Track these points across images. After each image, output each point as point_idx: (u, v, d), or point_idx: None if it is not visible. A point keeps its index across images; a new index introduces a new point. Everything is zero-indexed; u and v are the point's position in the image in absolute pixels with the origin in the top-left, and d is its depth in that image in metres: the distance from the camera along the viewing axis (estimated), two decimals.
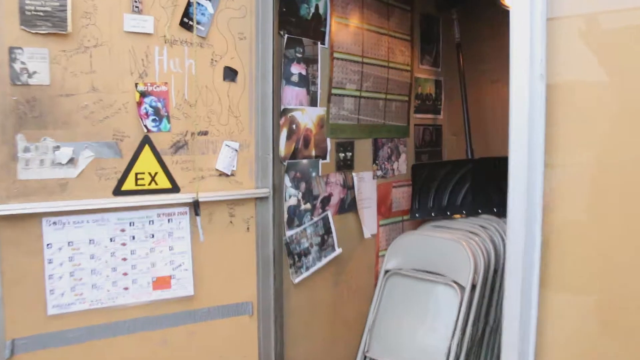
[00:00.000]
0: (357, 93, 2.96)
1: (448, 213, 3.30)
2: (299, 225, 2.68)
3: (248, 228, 2.38)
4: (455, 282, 2.94)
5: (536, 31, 1.66)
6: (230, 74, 2.26)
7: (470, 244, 2.99)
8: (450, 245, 3.02)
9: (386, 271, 3.21)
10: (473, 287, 2.93)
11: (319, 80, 2.71)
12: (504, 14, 3.32)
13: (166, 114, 2.12)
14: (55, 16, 1.86)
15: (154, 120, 2.09)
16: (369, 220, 3.11)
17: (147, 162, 2.10)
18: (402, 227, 3.39)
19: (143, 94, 2.06)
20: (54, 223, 1.97)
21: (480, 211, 3.29)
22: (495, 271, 3.09)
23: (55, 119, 1.92)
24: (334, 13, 2.74)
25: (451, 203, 3.32)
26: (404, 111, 3.31)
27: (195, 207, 2.20)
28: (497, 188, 3.32)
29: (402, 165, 3.35)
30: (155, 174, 2.12)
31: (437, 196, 3.32)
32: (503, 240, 3.14)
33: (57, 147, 1.94)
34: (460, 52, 3.35)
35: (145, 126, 2.07)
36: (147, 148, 2.10)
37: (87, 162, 1.99)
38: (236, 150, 2.31)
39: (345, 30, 2.83)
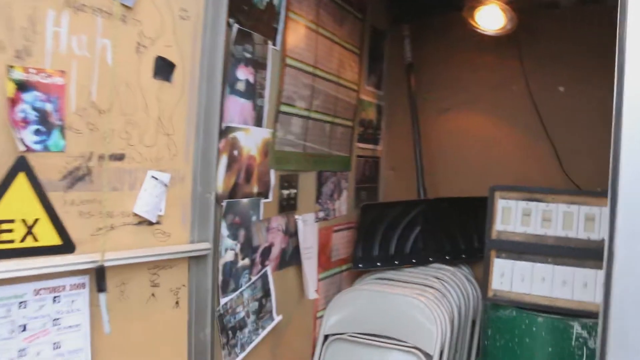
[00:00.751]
0: (306, 113, 2.31)
1: (396, 262, 2.76)
2: (235, 290, 1.93)
3: (177, 302, 1.58)
4: (418, 349, 2.39)
5: None
6: (164, 68, 1.48)
7: (430, 301, 2.47)
8: (406, 303, 2.47)
9: (326, 336, 2.56)
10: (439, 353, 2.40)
11: (266, 92, 2.02)
12: (466, 35, 2.96)
13: (59, 122, 1.27)
14: None
15: (37, 131, 1.24)
16: (311, 274, 2.44)
17: (20, 201, 1.23)
18: (340, 280, 2.78)
19: (22, 86, 1.20)
20: None
21: (431, 259, 2.80)
22: (457, 330, 2.60)
23: None
24: (290, 7, 2.09)
25: (399, 251, 2.79)
26: (347, 139, 2.74)
27: (99, 277, 1.36)
28: (449, 233, 2.87)
29: (342, 205, 2.76)
30: (35, 222, 1.26)
31: (383, 243, 2.77)
32: (462, 293, 2.68)
33: None
34: (412, 74, 2.88)
35: (22, 140, 1.21)
36: (21, 178, 1.23)
37: None
38: (165, 186, 1.52)
39: (299, 31, 2.19)
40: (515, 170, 2.71)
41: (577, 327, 2.11)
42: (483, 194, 2.60)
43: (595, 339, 2.10)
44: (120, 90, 1.38)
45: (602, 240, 2.15)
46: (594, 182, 2.49)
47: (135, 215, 1.45)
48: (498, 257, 2.35)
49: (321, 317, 2.56)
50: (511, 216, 2.33)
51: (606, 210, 2.15)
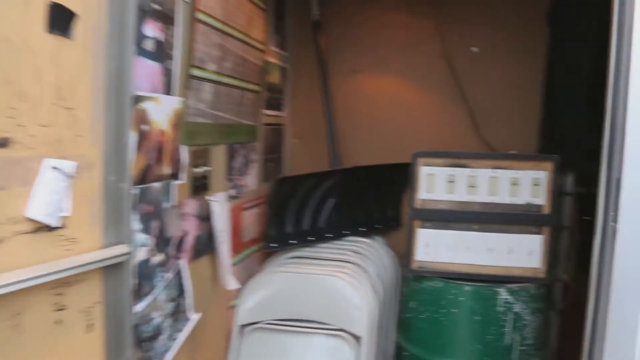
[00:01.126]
0: (217, 77, 1.98)
1: (311, 239, 2.57)
2: (148, 293, 1.60)
3: (92, 324, 1.23)
4: (345, 331, 2.25)
5: None
6: (60, 19, 1.08)
7: (352, 278, 2.34)
8: (327, 283, 2.31)
9: (242, 326, 2.32)
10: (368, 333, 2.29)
11: (176, 53, 1.66)
12: None
13: None
14: None
15: None
16: (227, 261, 2.16)
17: None
18: (251, 263, 2.53)
19: None
20: None
21: (346, 232, 2.66)
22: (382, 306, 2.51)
23: None
24: None
25: (313, 226, 2.60)
26: (255, 106, 2.44)
27: None
28: (363, 203, 2.75)
29: (252, 180, 2.48)
30: None
31: (296, 218, 2.56)
32: (382, 266, 2.59)
33: None
34: (320, 33, 2.64)
35: None
36: None
37: None
38: (69, 177, 1.14)
39: None
40: (431, 135, 2.64)
41: (503, 293, 2.12)
42: (397, 160, 2.51)
43: (521, 303, 2.12)
44: (1, 49, 0.97)
45: (527, 204, 2.19)
46: (508, 144, 2.51)
47: (30, 220, 1.07)
48: (422, 227, 2.27)
49: (234, 306, 2.31)
50: (435, 183, 2.24)
51: (531, 173, 2.18)
